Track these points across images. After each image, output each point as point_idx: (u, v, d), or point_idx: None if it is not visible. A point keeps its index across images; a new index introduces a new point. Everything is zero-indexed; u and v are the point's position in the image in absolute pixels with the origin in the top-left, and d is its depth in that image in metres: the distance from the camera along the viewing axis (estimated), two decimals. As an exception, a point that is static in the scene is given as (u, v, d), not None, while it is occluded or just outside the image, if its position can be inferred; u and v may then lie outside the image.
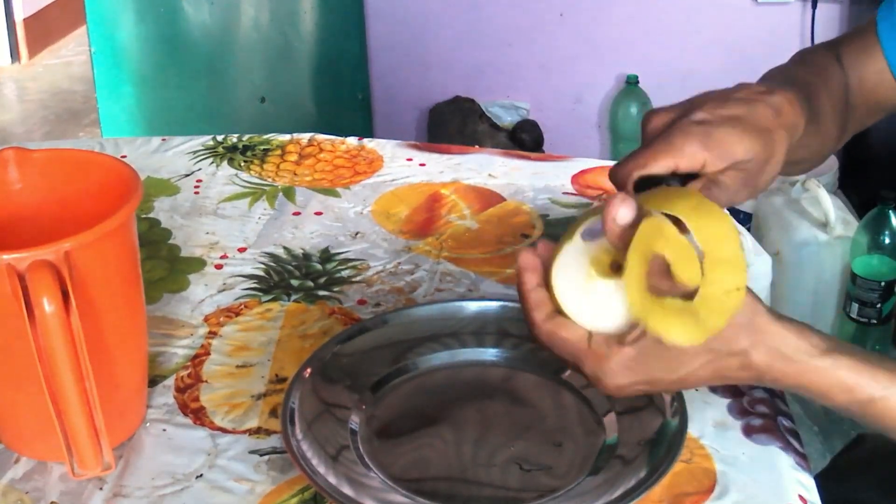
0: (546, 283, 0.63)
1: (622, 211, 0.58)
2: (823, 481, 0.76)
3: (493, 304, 0.81)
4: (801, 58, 0.83)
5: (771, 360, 0.61)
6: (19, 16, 4.18)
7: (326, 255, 0.98)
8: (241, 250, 0.99)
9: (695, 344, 0.57)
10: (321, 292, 0.92)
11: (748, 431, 0.74)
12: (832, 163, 2.37)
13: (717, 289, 0.57)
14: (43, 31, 4.32)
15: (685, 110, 0.67)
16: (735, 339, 0.60)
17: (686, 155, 0.64)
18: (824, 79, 0.79)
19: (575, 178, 1.11)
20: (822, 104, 0.76)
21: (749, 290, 0.59)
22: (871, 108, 0.84)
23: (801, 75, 0.78)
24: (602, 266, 0.60)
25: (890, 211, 1.99)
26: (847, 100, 0.81)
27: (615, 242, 0.59)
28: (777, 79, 0.77)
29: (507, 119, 2.68)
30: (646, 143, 0.66)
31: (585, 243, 0.61)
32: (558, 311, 0.62)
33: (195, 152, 1.20)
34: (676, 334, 0.56)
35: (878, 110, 0.85)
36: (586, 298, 0.61)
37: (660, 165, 0.64)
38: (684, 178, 0.67)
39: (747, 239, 2.22)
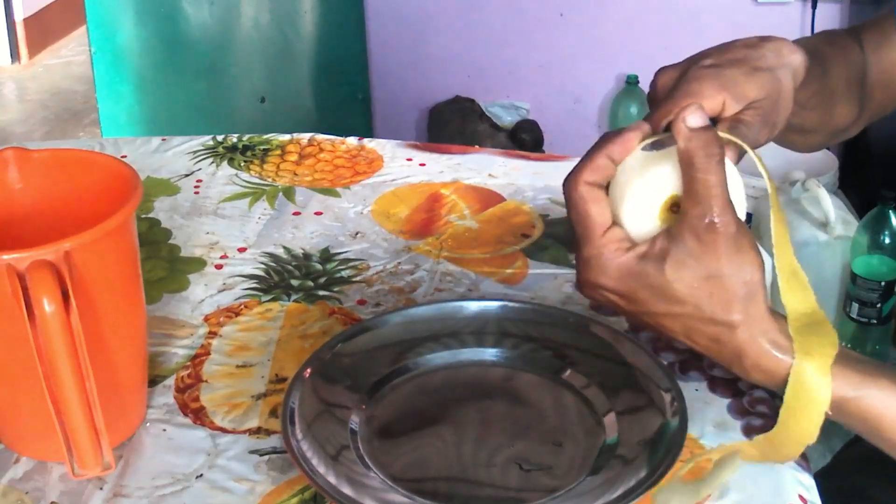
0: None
1: (694, 115, 0.60)
2: (825, 478, 0.76)
3: (493, 304, 0.81)
4: (823, 33, 0.83)
5: (749, 345, 0.60)
6: (19, 16, 4.19)
7: (326, 255, 0.98)
8: (241, 250, 0.99)
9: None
10: (321, 292, 0.92)
11: (748, 431, 0.74)
12: (832, 163, 2.37)
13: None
14: (43, 31, 4.32)
15: (692, 61, 0.68)
16: (727, 307, 0.59)
17: (706, 97, 0.65)
18: (842, 51, 0.79)
19: (575, 178, 1.11)
20: (835, 72, 0.76)
21: (763, 274, 0.60)
22: (891, 94, 0.84)
23: (815, 42, 0.78)
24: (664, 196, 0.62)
25: (890, 211, 1.99)
26: (865, 81, 0.81)
27: (678, 142, 0.60)
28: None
29: (507, 119, 2.68)
30: (663, 97, 0.67)
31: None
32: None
33: (195, 152, 1.20)
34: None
35: None
36: (638, 200, 0.62)
37: (685, 107, 0.64)
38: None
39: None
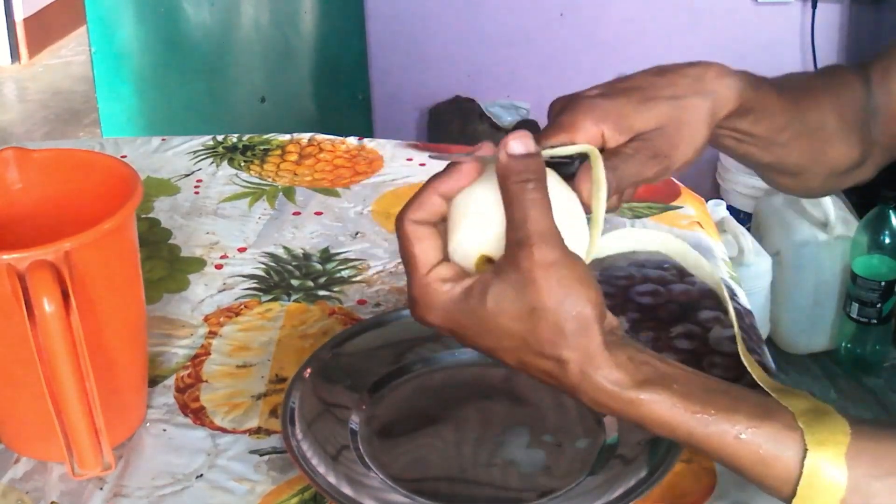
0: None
1: (515, 141, 0.57)
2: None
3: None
4: (821, 69, 0.80)
5: (582, 382, 0.57)
6: (19, 16, 4.19)
7: (326, 255, 0.98)
8: (242, 250, 0.99)
9: None
10: (321, 292, 0.92)
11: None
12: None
13: None
14: (43, 31, 4.32)
15: (585, 91, 0.65)
16: (554, 343, 0.56)
17: (581, 130, 0.62)
18: (835, 86, 0.76)
19: (575, 178, 1.11)
20: (824, 107, 0.74)
21: (600, 309, 0.57)
22: None
23: (797, 77, 0.75)
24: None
25: (890, 211, 2.00)
26: (871, 117, 0.77)
27: (497, 169, 0.57)
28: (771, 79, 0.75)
29: (507, 119, 2.68)
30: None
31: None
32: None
33: (195, 152, 1.20)
34: None
35: None
36: (473, 221, 0.59)
37: (556, 142, 0.62)
38: (585, 157, 0.64)
39: (747, 239, 2.22)
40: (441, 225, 0.61)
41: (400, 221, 0.60)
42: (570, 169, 0.62)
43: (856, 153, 0.76)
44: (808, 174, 0.75)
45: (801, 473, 0.55)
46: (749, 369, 0.62)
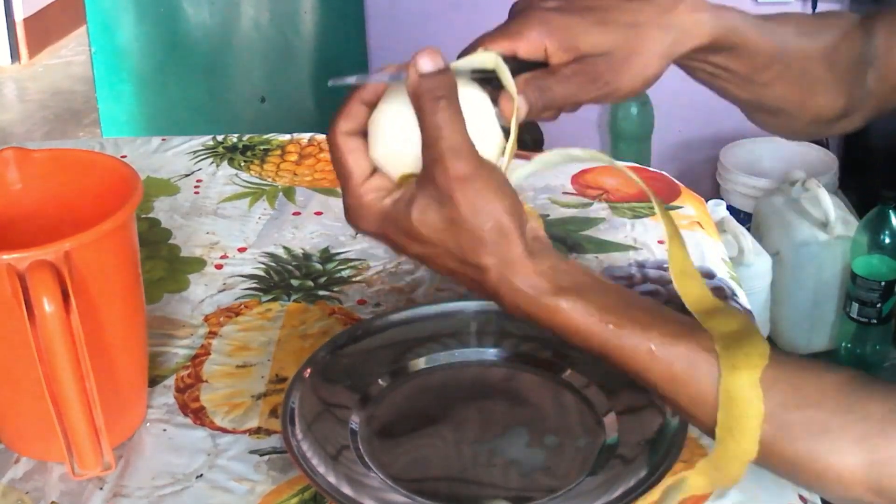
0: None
1: (424, 59, 0.57)
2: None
3: (494, 304, 0.81)
4: (820, 14, 0.79)
5: (501, 286, 0.58)
6: (19, 16, 4.19)
7: (326, 255, 0.98)
8: (241, 250, 0.99)
9: None
10: (321, 292, 0.92)
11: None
12: (832, 163, 2.37)
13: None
14: (43, 31, 4.32)
15: (543, 0, 0.64)
16: (473, 251, 0.57)
17: (524, 40, 0.62)
18: (826, 34, 0.74)
19: (575, 178, 1.11)
20: (804, 53, 0.72)
21: (520, 218, 0.58)
22: None
23: (791, 18, 0.74)
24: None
25: (890, 211, 1.99)
26: (862, 68, 0.75)
27: (408, 88, 0.57)
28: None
29: (507, 119, 2.68)
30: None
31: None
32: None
33: (195, 152, 1.20)
34: None
35: None
36: (394, 138, 0.60)
37: (497, 47, 0.62)
38: (527, 66, 0.63)
39: (747, 239, 2.22)
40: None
41: (330, 135, 0.61)
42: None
43: (840, 103, 0.75)
44: (790, 117, 0.75)
45: (717, 396, 0.55)
46: (679, 291, 0.61)
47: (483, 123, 0.60)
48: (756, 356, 0.56)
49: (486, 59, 0.61)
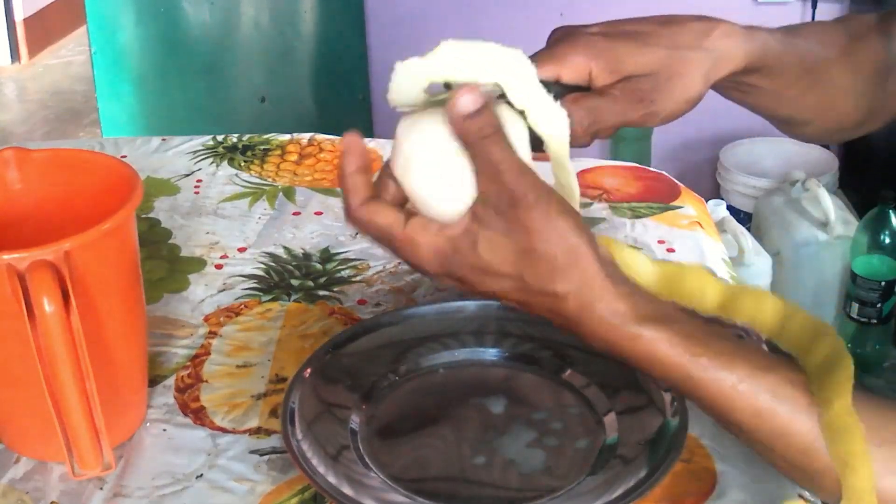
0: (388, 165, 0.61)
1: (464, 99, 0.56)
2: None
3: (493, 304, 0.81)
4: (839, 20, 0.80)
5: (582, 313, 0.57)
6: (19, 16, 4.19)
7: (326, 255, 0.98)
8: (242, 250, 0.99)
9: None
10: (321, 292, 0.92)
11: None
12: (832, 163, 2.37)
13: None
14: (43, 31, 4.32)
15: (585, 26, 0.65)
16: (549, 278, 0.56)
17: (568, 64, 0.63)
18: (847, 42, 0.75)
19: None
20: (830, 66, 0.73)
21: (590, 238, 0.57)
22: None
23: (810, 32, 0.75)
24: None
25: (890, 211, 2.00)
26: (885, 71, 0.76)
27: (453, 130, 0.57)
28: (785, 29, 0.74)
29: (507, 119, 2.68)
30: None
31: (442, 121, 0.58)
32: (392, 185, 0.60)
33: (195, 152, 1.20)
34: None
35: None
36: (436, 172, 0.59)
37: (542, 72, 0.62)
38: (571, 90, 0.64)
39: (747, 239, 2.22)
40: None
41: (348, 218, 0.60)
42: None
43: (862, 112, 0.76)
44: (819, 126, 0.76)
45: (802, 430, 0.54)
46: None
47: (517, 142, 0.59)
48: (845, 380, 0.55)
49: (493, 80, 0.60)
